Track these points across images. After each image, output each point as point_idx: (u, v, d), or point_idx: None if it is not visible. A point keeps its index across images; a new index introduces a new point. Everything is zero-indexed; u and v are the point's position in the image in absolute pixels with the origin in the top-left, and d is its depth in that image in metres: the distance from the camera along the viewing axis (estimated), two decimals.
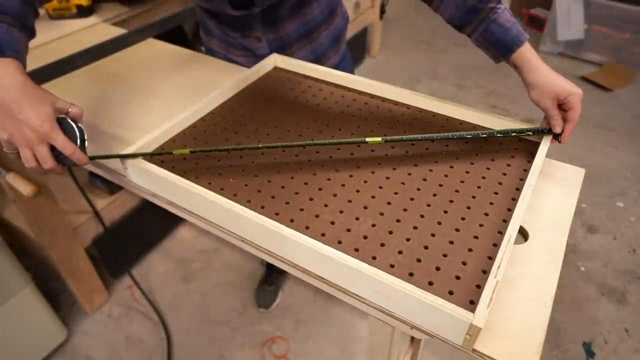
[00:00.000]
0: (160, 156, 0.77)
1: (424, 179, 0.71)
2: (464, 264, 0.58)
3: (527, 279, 0.59)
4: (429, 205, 0.67)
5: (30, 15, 0.68)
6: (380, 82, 0.90)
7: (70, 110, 0.66)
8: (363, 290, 0.57)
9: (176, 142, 0.80)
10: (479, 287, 0.55)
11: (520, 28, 0.72)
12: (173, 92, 0.99)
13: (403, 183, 0.70)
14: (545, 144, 0.74)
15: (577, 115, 0.70)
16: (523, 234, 0.65)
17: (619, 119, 2.56)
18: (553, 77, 0.70)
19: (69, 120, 0.65)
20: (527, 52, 0.71)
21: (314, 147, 0.78)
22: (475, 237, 0.61)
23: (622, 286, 1.68)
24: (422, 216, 0.65)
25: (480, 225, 0.63)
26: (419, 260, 0.58)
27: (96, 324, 1.58)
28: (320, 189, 0.70)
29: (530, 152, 0.76)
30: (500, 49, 0.73)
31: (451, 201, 0.67)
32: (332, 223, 0.64)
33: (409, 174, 0.72)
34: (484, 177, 0.71)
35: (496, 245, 0.60)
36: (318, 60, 1.08)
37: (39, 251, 1.48)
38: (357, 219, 0.65)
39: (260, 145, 0.73)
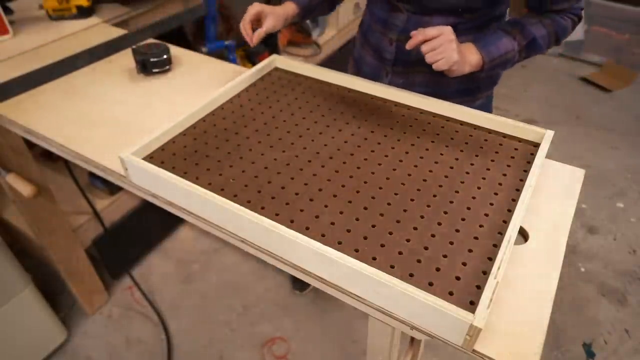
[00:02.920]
0: (160, 156, 0.77)
1: (424, 180, 0.71)
2: (464, 264, 0.58)
3: (527, 279, 0.59)
4: (429, 206, 0.67)
5: None
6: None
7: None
8: (363, 291, 0.57)
9: (176, 143, 0.80)
10: (479, 288, 0.55)
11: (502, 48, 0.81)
12: (173, 93, 0.99)
13: (403, 184, 0.70)
14: (545, 145, 0.74)
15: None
16: (523, 235, 0.65)
17: (619, 120, 2.56)
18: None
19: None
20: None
21: (315, 148, 0.78)
22: (475, 238, 0.61)
23: (622, 287, 1.68)
24: (422, 217, 0.65)
25: (480, 226, 0.63)
26: (419, 261, 0.58)
27: (96, 325, 1.58)
28: (320, 190, 0.70)
29: (530, 152, 0.76)
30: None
31: (451, 202, 0.67)
32: (332, 224, 0.64)
33: (409, 175, 0.72)
34: (483, 178, 0.71)
35: (496, 246, 0.60)
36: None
37: (39, 252, 1.48)
38: (357, 219, 0.65)
39: None
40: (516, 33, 0.82)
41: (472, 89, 0.98)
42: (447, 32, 0.74)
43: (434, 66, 0.75)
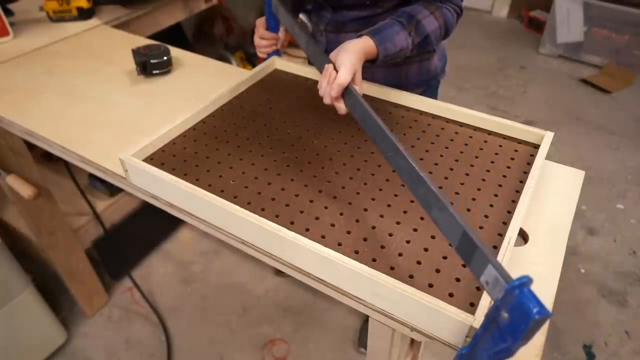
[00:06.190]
0: (160, 158, 0.77)
1: None
2: (464, 266, 0.58)
3: None
4: None
5: None
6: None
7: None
8: (363, 293, 0.57)
9: (176, 145, 0.80)
10: (479, 290, 0.55)
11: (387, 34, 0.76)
12: (173, 94, 0.99)
13: (403, 185, 0.70)
14: (544, 146, 0.74)
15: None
16: (523, 236, 0.65)
17: (619, 121, 2.56)
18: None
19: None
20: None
21: (314, 150, 0.79)
22: None
23: (623, 288, 1.68)
24: (422, 218, 0.65)
25: (480, 228, 0.63)
26: (419, 263, 0.58)
27: (96, 326, 1.58)
28: (320, 191, 0.70)
29: (530, 154, 0.76)
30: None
31: (451, 203, 0.67)
32: (332, 225, 0.64)
33: None
34: (483, 180, 0.71)
35: (496, 248, 0.60)
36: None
37: (39, 253, 1.48)
38: (357, 221, 0.65)
39: None
40: (412, 29, 0.79)
41: (428, 79, 1.02)
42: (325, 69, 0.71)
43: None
